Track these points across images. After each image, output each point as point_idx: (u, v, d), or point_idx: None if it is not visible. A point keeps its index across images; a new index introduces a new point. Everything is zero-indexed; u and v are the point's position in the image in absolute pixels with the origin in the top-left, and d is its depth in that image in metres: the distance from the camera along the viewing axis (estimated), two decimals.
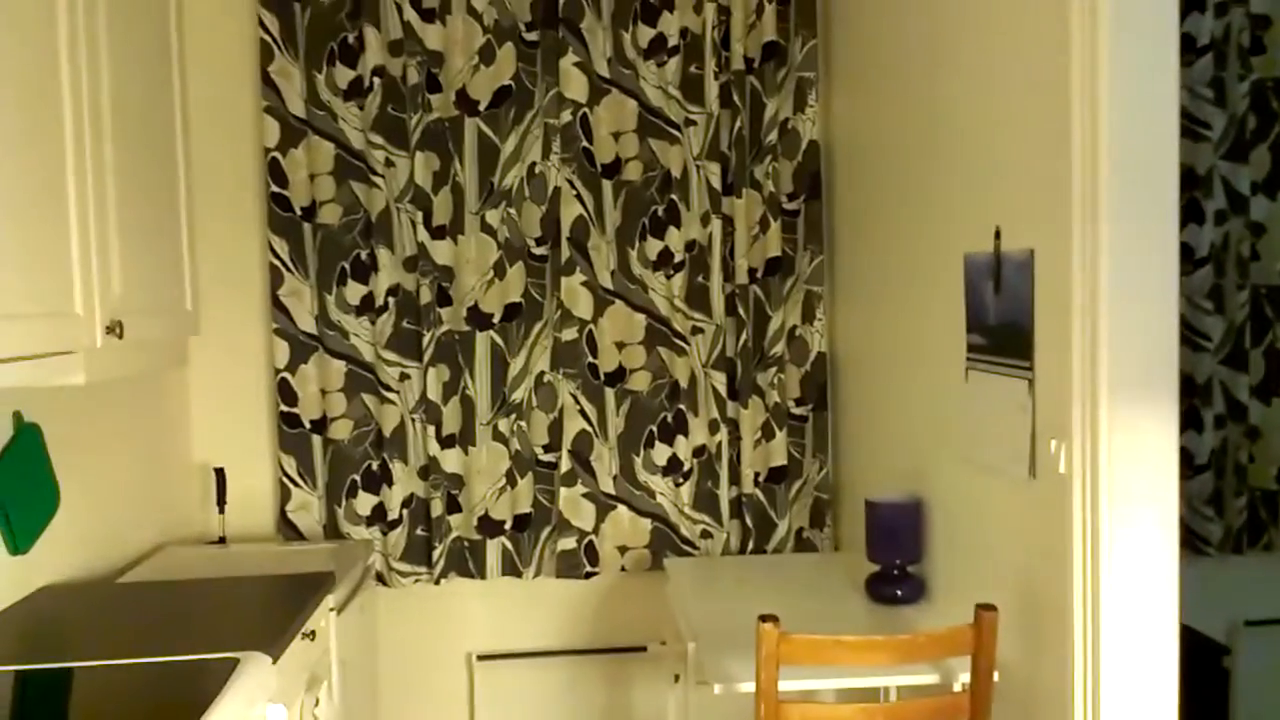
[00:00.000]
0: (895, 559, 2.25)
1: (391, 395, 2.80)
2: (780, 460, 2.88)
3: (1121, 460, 1.56)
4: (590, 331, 2.86)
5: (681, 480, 2.89)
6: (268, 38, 2.75)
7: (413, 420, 2.84)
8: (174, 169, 2.26)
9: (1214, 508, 2.77)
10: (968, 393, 1.99)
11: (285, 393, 2.80)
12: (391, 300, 2.80)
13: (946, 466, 2.14)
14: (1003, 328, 1.83)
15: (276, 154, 2.77)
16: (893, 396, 2.49)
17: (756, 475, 2.90)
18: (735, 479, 2.91)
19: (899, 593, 2.24)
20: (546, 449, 2.88)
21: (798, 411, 2.91)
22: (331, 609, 2.09)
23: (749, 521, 2.88)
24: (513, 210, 2.83)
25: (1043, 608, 1.74)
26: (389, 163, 2.79)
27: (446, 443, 2.84)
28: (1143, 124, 1.53)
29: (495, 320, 2.84)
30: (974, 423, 1.97)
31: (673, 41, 2.83)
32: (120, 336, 1.74)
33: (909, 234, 2.34)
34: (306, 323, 2.81)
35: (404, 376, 2.82)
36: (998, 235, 1.85)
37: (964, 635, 1.69)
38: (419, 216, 2.80)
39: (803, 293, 2.88)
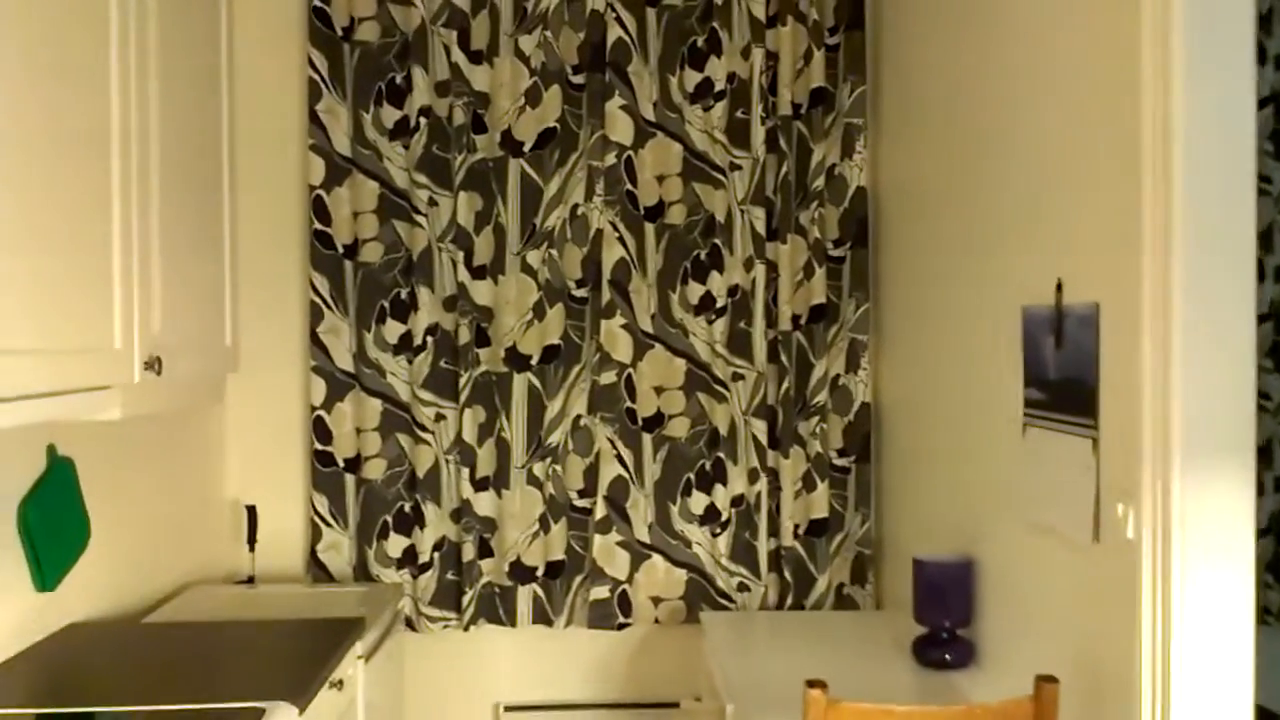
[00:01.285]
0: (944, 621, 2.16)
1: (426, 436, 2.76)
2: (821, 512, 2.80)
3: (1195, 525, 1.47)
4: (629, 375, 2.81)
5: (719, 530, 2.82)
6: (316, 76, 2.76)
7: (447, 462, 2.80)
8: (219, 205, 2.26)
9: (1274, 574, 2.65)
10: (1025, 450, 1.92)
11: (320, 431, 2.77)
12: (430, 340, 2.77)
13: (1000, 526, 2.05)
14: (1064, 383, 1.76)
15: (321, 191, 2.77)
16: (941, 450, 2.41)
17: (796, 527, 2.82)
18: (774, 530, 2.84)
19: (947, 657, 2.15)
20: (581, 494, 2.82)
21: (840, 462, 2.83)
22: (360, 656, 2.04)
23: (788, 575, 2.80)
24: (554, 251, 2.81)
25: (1106, 680, 1.64)
26: (432, 202, 2.78)
27: (480, 485, 2.79)
28: (1218, 173, 1.46)
29: (533, 362, 2.81)
30: (1032, 481, 1.89)
31: (719, 86, 2.81)
32: (159, 373, 1.71)
33: (961, 285, 2.28)
34: (344, 360, 2.78)
35: (439, 417, 2.79)
36: (1059, 288, 1.78)
37: (1023, 708, 1.60)
38: (460, 256, 2.78)
39: (847, 341, 2.82)
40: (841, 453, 2.83)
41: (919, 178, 2.57)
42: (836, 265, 2.83)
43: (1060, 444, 1.77)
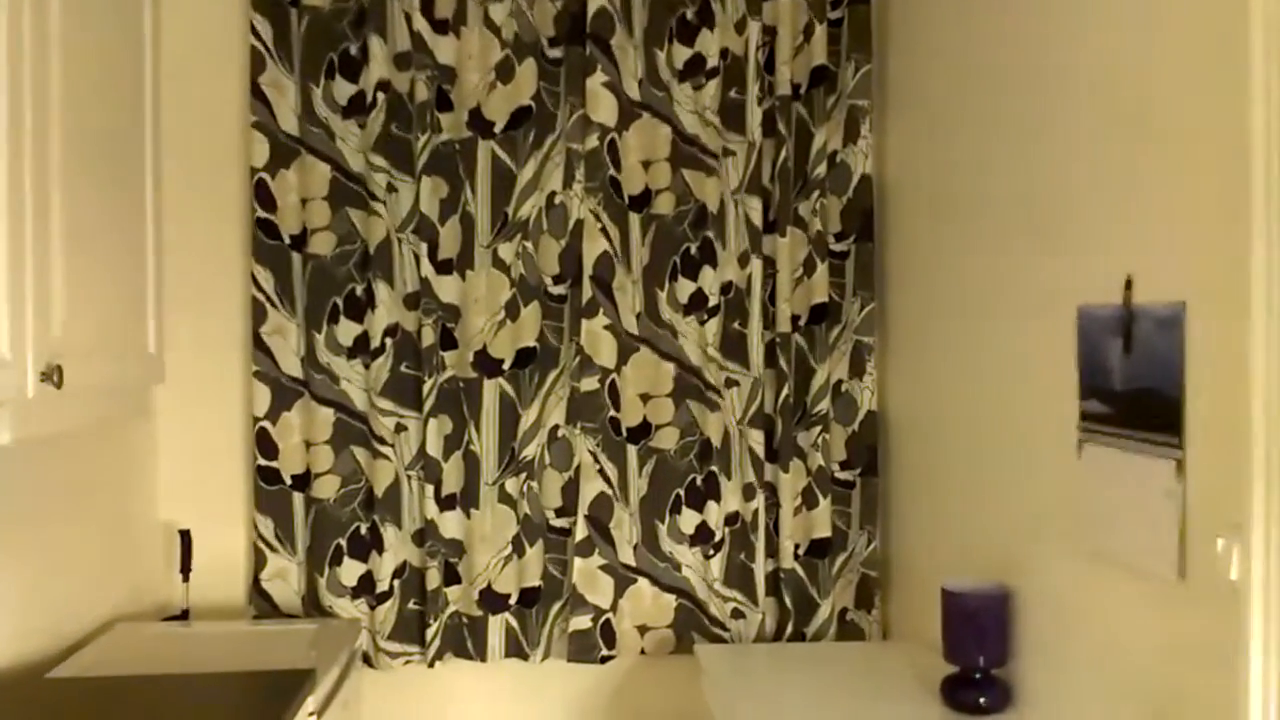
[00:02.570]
0: (978, 659, 1.91)
1: (385, 449, 2.46)
2: (824, 531, 2.55)
3: None
4: (613, 381, 2.54)
5: (712, 552, 2.55)
6: (259, 45, 2.45)
7: (409, 478, 2.50)
8: (140, 190, 1.94)
9: None
10: (1081, 469, 1.68)
11: (264, 445, 2.46)
12: (389, 341, 2.47)
13: (1046, 554, 1.82)
14: (1135, 395, 1.52)
15: (264, 175, 2.46)
16: (962, 466, 2.17)
17: (796, 548, 2.56)
18: (772, 551, 2.58)
19: (982, 700, 1.91)
20: (559, 513, 2.54)
21: (843, 476, 2.58)
22: (311, 714, 1.74)
23: (787, 600, 2.54)
24: (529, 244, 2.52)
25: None
26: (391, 188, 2.48)
27: (446, 504, 2.50)
28: None
29: (506, 367, 2.52)
30: (1090, 506, 1.65)
31: (712, 63, 2.55)
32: (59, 385, 1.40)
33: (990, 282, 2.04)
34: (291, 365, 2.47)
35: (400, 428, 2.49)
36: (1129, 285, 1.55)
37: None
38: (423, 249, 2.48)
39: (851, 344, 2.57)
40: (845, 465, 2.58)
41: (933, 165, 2.33)
42: (839, 261, 2.58)
43: (1130, 464, 1.53)
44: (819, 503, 2.55)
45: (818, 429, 2.55)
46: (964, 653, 1.93)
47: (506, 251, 2.51)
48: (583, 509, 2.52)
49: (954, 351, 2.22)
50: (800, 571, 2.57)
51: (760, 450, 2.55)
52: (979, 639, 1.92)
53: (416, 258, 2.49)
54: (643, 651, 2.57)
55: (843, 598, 2.59)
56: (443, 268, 2.50)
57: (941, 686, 1.96)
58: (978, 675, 1.93)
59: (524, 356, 2.52)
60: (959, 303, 2.19)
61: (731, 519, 2.56)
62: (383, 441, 2.47)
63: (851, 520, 2.59)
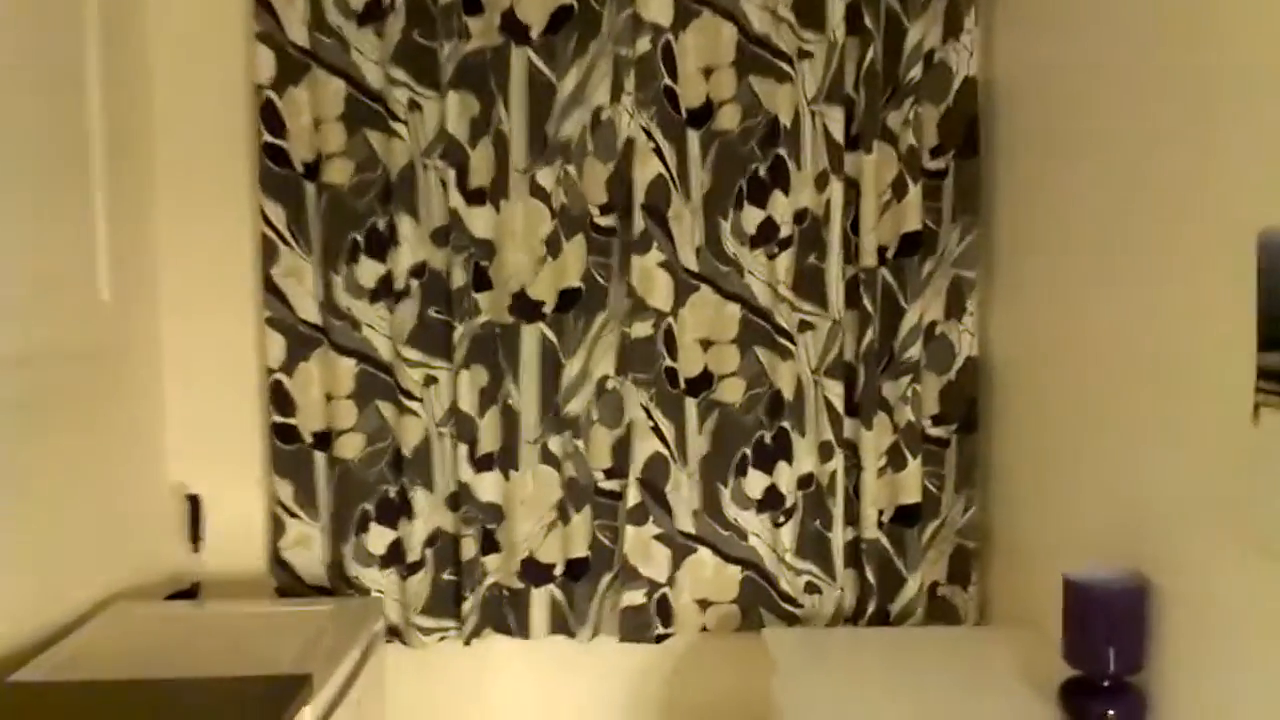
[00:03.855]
0: (1107, 664, 1.58)
1: (414, 404, 2.19)
2: (913, 496, 2.21)
3: None
4: (669, 326, 2.21)
5: (783, 519, 2.24)
6: None
7: (440, 436, 2.23)
8: (75, 109, 1.66)
9: None
10: (1258, 441, 1.31)
11: (280, 400, 2.20)
12: (415, 283, 2.18)
13: (1201, 544, 1.46)
14: None
15: (271, 94, 2.16)
16: (1088, 427, 1.81)
17: (880, 515, 2.23)
18: (853, 519, 2.25)
19: (1110, 712, 1.57)
20: (609, 475, 2.24)
21: (937, 433, 2.23)
22: None
23: (869, 574, 2.22)
24: (571, 168, 2.19)
25: None
26: (414, 105, 2.16)
27: (482, 465, 2.22)
28: None
29: (547, 310, 2.21)
30: (1268, 488, 1.29)
31: None
32: None
33: (1131, 202, 1.65)
34: (308, 310, 2.20)
35: (430, 380, 2.21)
36: None
37: None
38: (451, 175, 2.17)
39: (948, 279, 2.20)
40: (939, 421, 2.23)
41: (1055, 60, 1.92)
42: (936, 181, 2.20)
43: None
44: (907, 463, 2.21)
45: (907, 379, 2.20)
46: (1090, 655, 1.59)
47: (546, 178, 2.18)
48: (635, 471, 2.22)
49: (1078, 289, 1.84)
50: (885, 541, 2.24)
51: (839, 404, 2.21)
52: (1110, 640, 1.57)
53: (444, 186, 2.18)
54: (704, 629, 2.28)
55: (934, 571, 2.26)
56: (474, 197, 2.18)
57: (1061, 691, 1.63)
58: (1106, 683, 1.59)
59: (567, 298, 2.21)
60: (1087, 229, 1.80)
61: (805, 482, 2.24)
62: (410, 396, 2.19)
63: (945, 484, 2.24)
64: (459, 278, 2.18)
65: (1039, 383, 2.02)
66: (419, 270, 2.19)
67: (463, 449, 2.20)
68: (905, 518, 2.23)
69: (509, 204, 2.19)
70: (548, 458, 2.23)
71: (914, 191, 2.17)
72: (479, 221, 2.19)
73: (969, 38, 2.13)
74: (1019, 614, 2.12)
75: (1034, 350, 2.05)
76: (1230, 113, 1.38)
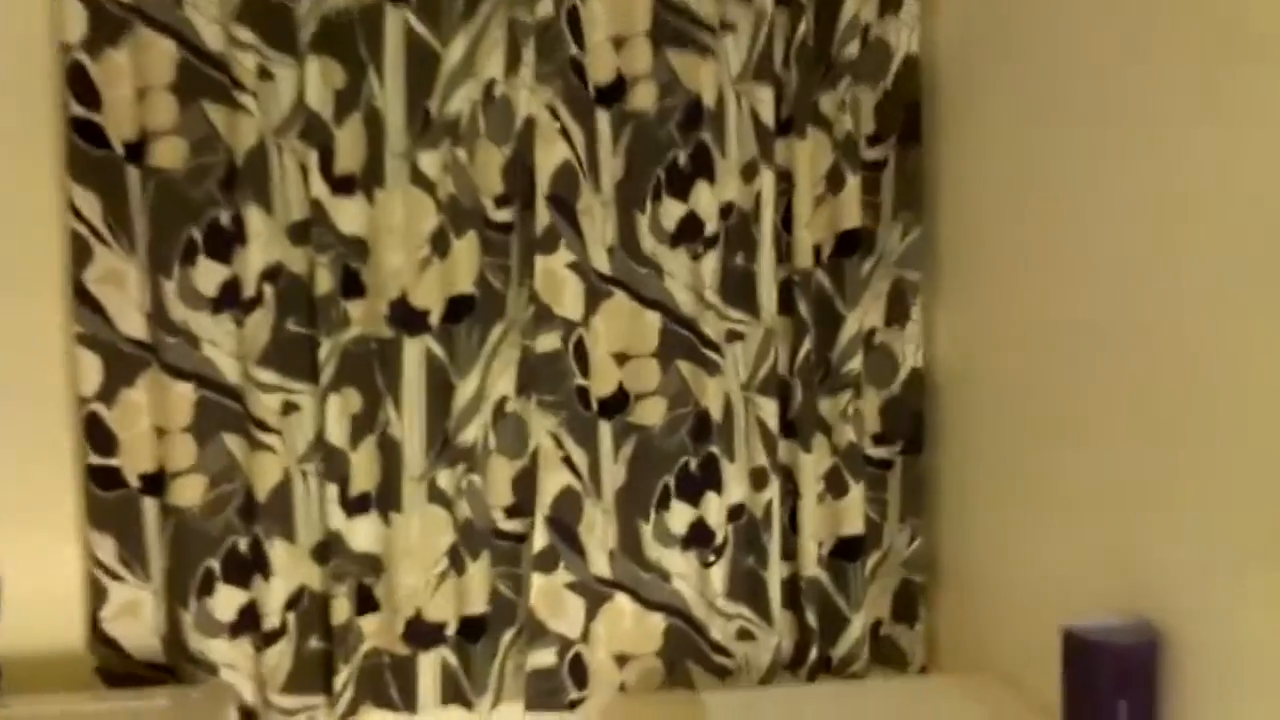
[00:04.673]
0: None
1: (269, 437, 1.80)
2: (855, 526, 1.97)
3: None
4: (579, 338, 1.89)
5: (712, 558, 1.95)
6: None
7: (303, 474, 1.84)
8: None
9: None
10: None
11: (97, 436, 1.77)
12: (269, 289, 1.79)
13: (1235, 588, 1.25)
14: None
15: (83, 56, 1.74)
16: (1060, 445, 1.60)
17: (820, 547, 1.98)
18: (790, 553, 1.99)
19: None
20: (511, 514, 1.91)
21: (879, 454, 2.00)
22: None
23: (809, 616, 1.96)
24: (461, 152, 1.84)
25: None
26: (264, 73, 1.78)
27: (356, 507, 1.85)
28: None
29: (433, 321, 1.86)
30: None
31: None
32: None
33: (1094, 192, 1.44)
34: (132, 324, 1.78)
35: (289, 408, 1.82)
36: None
37: None
38: (312, 159, 1.79)
39: (889, 281, 1.97)
40: (881, 440, 2.00)
41: (1006, 37, 1.71)
42: (875, 172, 1.96)
43: None
44: (849, 489, 1.96)
45: (847, 394, 1.95)
46: (1095, 717, 1.36)
47: (430, 163, 1.83)
48: (542, 509, 1.89)
49: (1042, 289, 1.63)
50: (825, 578, 1.98)
51: (773, 424, 1.95)
52: (1119, 700, 1.35)
53: (304, 171, 1.80)
54: (622, 688, 1.97)
55: (877, 606, 2.02)
56: (341, 185, 1.81)
57: None
58: None
59: (458, 307, 1.86)
60: (1049, 221, 1.59)
61: (736, 513, 1.96)
62: (264, 427, 1.80)
63: (888, 511, 2.01)
64: (324, 282, 1.80)
65: (995, 396, 1.81)
66: (273, 273, 1.80)
67: (331, 489, 1.82)
68: (847, 551, 1.98)
69: (385, 194, 1.83)
70: (437, 496, 1.88)
71: (851, 184, 1.92)
72: (347, 215, 1.82)
73: (909, 13, 1.91)
74: (971, 657, 1.89)
75: (988, 359, 1.84)
76: (1228, 79, 1.17)
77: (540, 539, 1.89)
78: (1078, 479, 1.56)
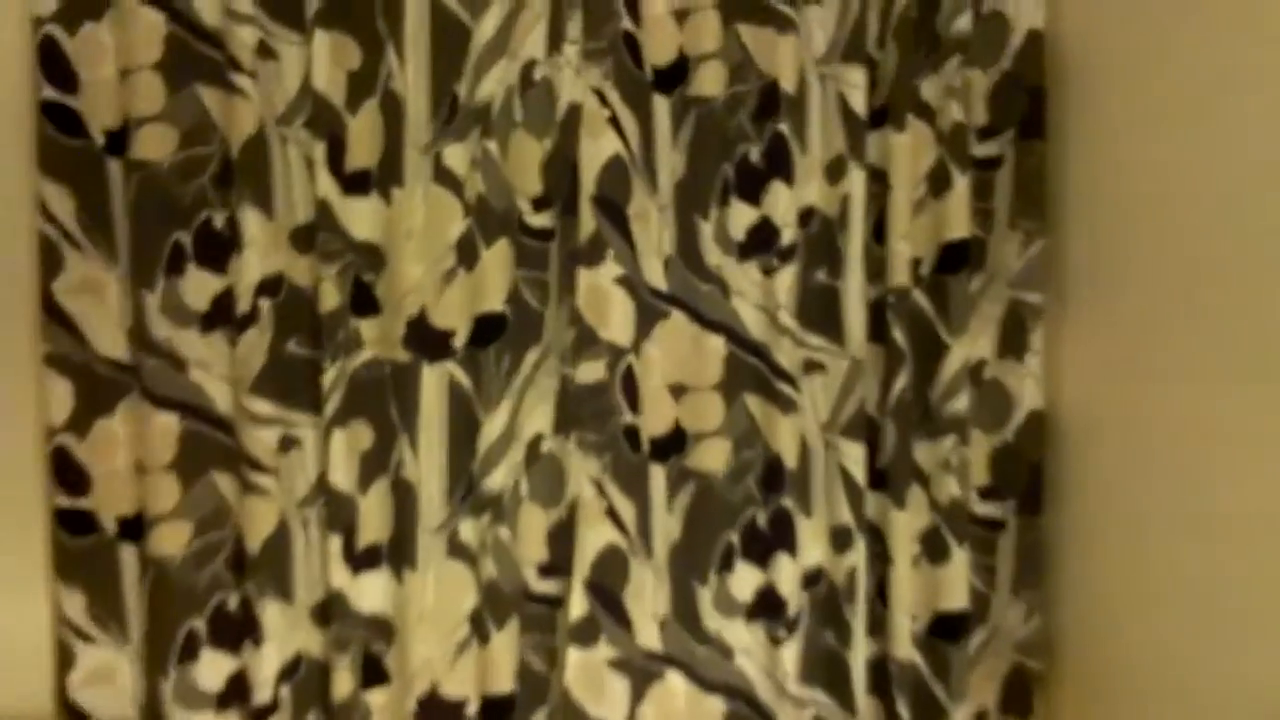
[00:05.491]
0: None
1: (264, 478, 1.53)
2: (957, 599, 1.63)
3: None
4: (628, 367, 1.60)
5: (783, 632, 1.63)
6: None
7: (303, 522, 1.57)
8: None
9: None
10: None
11: (67, 473, 1.52)
12: (267, 304, 1.53)
13: None
14: None
15: (57, 30, 1.49)
16: (1221, 511, 1.25)
17: (915, 624, 1.64)
18: (877, 628, 1.66)
19: None
20: (545, 574, 1.61)
21: (988, 512, 1.66)
22: None
23: (900, 706, 1.63)
24: (493, 145, 1.56)
25: None
26: (266, 51, 1.52)
27: (364, 562, 1.57)
28: None
29: (457, 344, 1.57)
30: None
31: None
32: None
33: (1267, 199, 1.10)
34: (110, 343, 1.53)
35: (288, 443, 1.55)
36: None
37: None
38: (319, 151, 1.52)
39: (1004, 304, 1.64)
40: (990, 495, 1.66)
41: (1154, 10, 1.38)
42: (988, 171, 1.64)
43: None
44: (950, 554, 1.62)
45: (950, 440, 1.62)
46: None
47: (457, 157, 1.56)
48: (582, 569, 1.59)
49: (1192, 317, 1.29)
50: (920, 661, 1.65)
51: (859, 473, 1.62)
52: None
53: (310, 166, 1.54)
54: None
55: (982, 697, 1.68)
56: (353, 183, 1.54)
57: None
58: None
59: (486, 328, 1.58)
60: (1204, 236, 1.25)
61: (813, 579, 1.64)
62: (259, 465, 1.53)
63: (998, 581, 1.67)
64: (331, 297, 1.53)
65: (1134, 448, 1.47)
66: (272, 286, 1.54)
67: (335, 541, 1.55)
68: (947, 628, 1.64)
69: (403, 193, 1.55)
70: (458, 551, 1.59)
71: (959, 185, 1.60)
72: (360, 218, 1.55)
73: None
74: None
75: (1126, 402, 1.50)
76: None
77: (578, 606, 1.59)
78: (1243, 559, 1.21)
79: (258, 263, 1.52)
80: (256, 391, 1.52)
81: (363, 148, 1.54)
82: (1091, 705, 1.60)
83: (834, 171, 1.61)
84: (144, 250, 1.52)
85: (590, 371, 1.57)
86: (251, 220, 1.51)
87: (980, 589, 1.66)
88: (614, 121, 1.56)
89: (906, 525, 1.61)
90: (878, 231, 1.62)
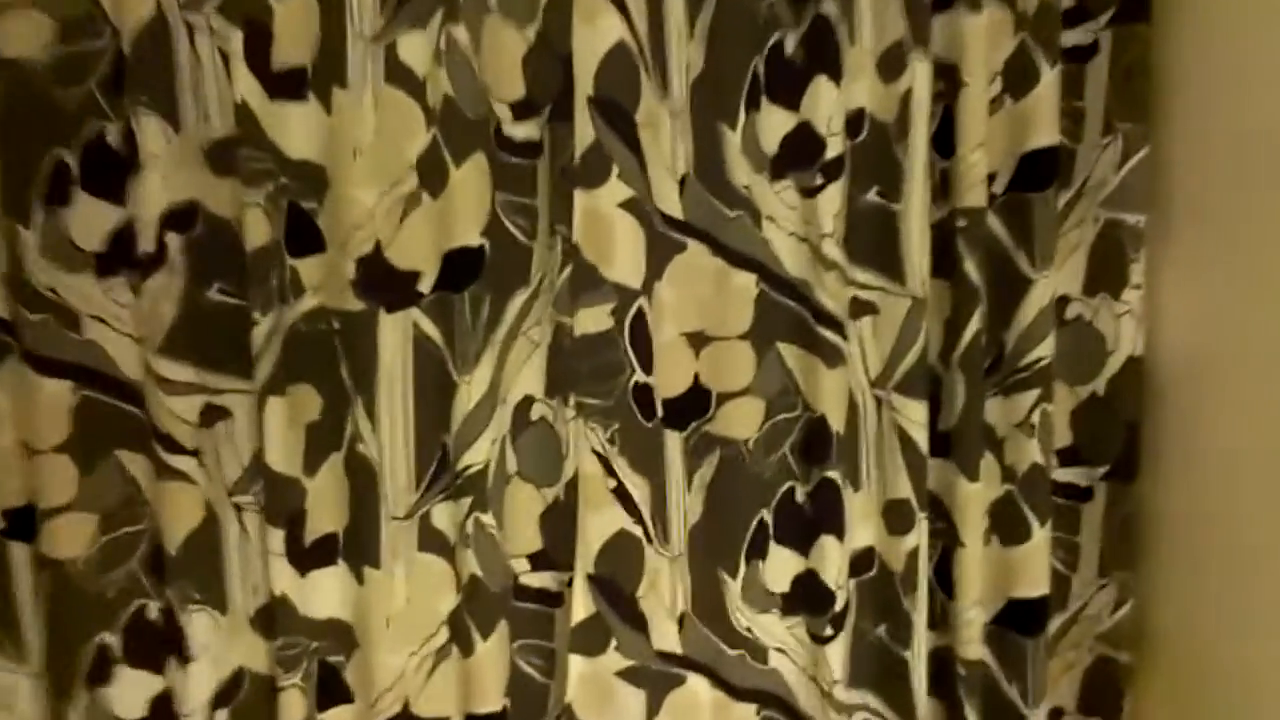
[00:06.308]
0: None
1: (183, 460, 1.23)
2: (1036, 585, 1.36)
3: None
4: (638, 312, 1.29)
5: (829, 630, 1.35)
6: None
7: (236, 512, 1.27)
8: None
9: None
10: None
11: None
12: (177, 240, 1.21)
13: None
14: None
15: None
16: None
17: (982, 613, 1.37)
18: (939, 620, 1.39)
19: None
20: (538, 566, 1.33)
21: (1070, 479, 1.38)
22: None
23: (968, 710, 1.36)
24: (461, 32, 1.22)
25: None
26: None
27: (314, 558, 1.28)
28: None
29: (423, 287, 1.26)
30: None
31: None
32: None
33: None
34: None
35: (213, 415, 1.24)
36: None
37: None
38: (236, 42, 1.18)
39: (1096, 227, 1.34)
40: (1074, 459, 1.38)
41: None
42: (1077, 64, 1.33)
43: None
44: (1030, 532, 1.35)
45: (1033, 395, 1.33)
46: None
47: (415, 50, 1.22)
48: (585, 562, 1.30)
49: None
50: (991, 658, 1.38)
51: (921, 437, 1.33)
52: None
53: (225, 61, 1.20)
54: None
55: (1060, 694, 1.42)
56: (283, 84, 1.21)
57: None
58: None
59: (459, 267, 1.26)
60: None
61: (863, 564, 1.37)
62: (176, 444, 1.22)
63: (1081, 561, 1.40)
64: (259, 231, 1.21)
65: (1252, 403, 1.19)
66: (184, 217, 1.21)
67: (276, 535, 1.25)
68: (1023, 619, 1.37)
69: (347, 96, 1.22)
70: (431, 542, 1.30)
71: (1047, 79, 1.28)
72: (293, 128, 1.22)
73: None
74: None
75: (1245, 348, 1.22)
76: None
77: (582, 605, 1.30)
78: None
79: (163, 188, 1.19)
80: (169, 351, 1.21)
81: (293, 37, 1.20)
82: (1189, 706, 1.34)
83: (890, 64, 1.29)
84: (17, 174, 1.19)
85: (591, 319, 1.26)
86: (153, 133, 1.18)
87: (1061, 569, 1.39)
88: (619, 4, 1.22)
89: (978, 498, 1.33)
90: (943, 138, 1.31)
